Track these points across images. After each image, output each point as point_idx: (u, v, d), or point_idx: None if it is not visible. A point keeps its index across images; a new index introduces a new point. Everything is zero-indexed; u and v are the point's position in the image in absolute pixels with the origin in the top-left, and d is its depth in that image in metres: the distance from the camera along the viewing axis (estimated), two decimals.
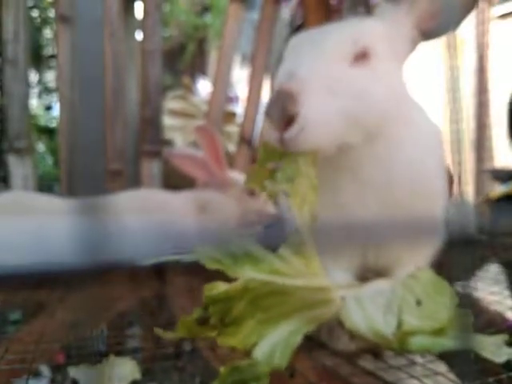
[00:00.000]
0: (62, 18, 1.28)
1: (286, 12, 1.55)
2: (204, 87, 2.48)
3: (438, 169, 0.51)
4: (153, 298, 0.79)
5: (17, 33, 1.20)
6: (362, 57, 0.45)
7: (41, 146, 2.27)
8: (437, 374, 0.45)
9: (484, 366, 0.39)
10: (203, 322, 0.38)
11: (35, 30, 2.23)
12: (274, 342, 0.37)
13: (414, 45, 0.51)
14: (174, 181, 1.13)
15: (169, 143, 1.70)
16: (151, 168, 1.23)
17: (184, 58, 2.99)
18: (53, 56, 2.25)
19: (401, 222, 0.47)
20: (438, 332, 0.36)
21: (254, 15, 1.57)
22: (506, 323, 0.63)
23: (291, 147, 0.42)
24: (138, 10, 1.60)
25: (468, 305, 0.38)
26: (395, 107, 0.47)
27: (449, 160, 0.51)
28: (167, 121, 1.65)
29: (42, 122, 2.42)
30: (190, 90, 2.26)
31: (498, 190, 1.07)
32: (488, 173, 1.47)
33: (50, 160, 2.24)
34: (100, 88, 1.23)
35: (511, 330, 0.48)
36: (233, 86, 2.43)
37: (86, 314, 0.59)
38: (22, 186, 1.17)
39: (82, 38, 1.31)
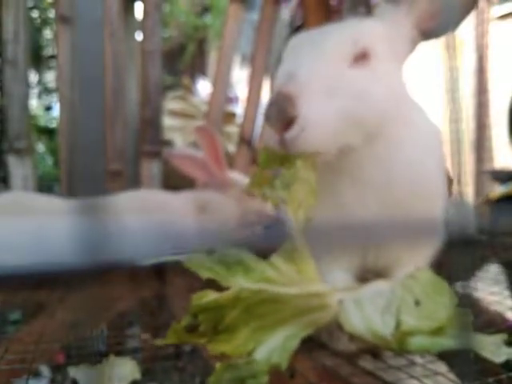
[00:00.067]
0: (62, 19, 1.28)
1: (285, 12, 1.55)
2: (204, 88, 2.48)
3: (437, 169, 0.51)
4: (153, 298, 0.79)
5: (17, 33, 1.20)
6: (361, 57, 0.45)
7: (41, 147, 2.27)
8: (436, 374, 0.46)
9: (484, 366, 0.39)
10: (192, 329, 0.37)
11: (35, 30, 2.23)
12: (271, 347, 0.37)
13: (413, 45, 0.51)
14: (174, 181, 1.13)
15: (169, 144, 1.70)
16: (151, 168, 1.23)
17: (184, 58, 2.99)
18: (53, 56, 2.25)
19: (400, 222, 0.47)
20: (437, 332, 0.36)
21: (254, 16, 1.58)
22: (506, 323, 0.63)
23: (291, 148, 0.42)
24: (138, 11, 1.60)
25: (468, 305, 0.38)
26: (395, 107, 0.47)
27: (448, 160, 0.51)
28: (167, 121, 1.65)
29: (42, 122, 2.42)
30: (190, 90, 2.26)
31: (498, 190, 1.07)
32: (488, 173, 1.47)
33: (49, 160, 2.24)
34: (100, 88, 1.23)
35: (511, 330, 0.48)
36: (233, 87, 2.43)
37: (86, 314, 0.59)
38: (22, 186, 1.17)
39: (82, 39, 1.31)
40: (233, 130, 1.81)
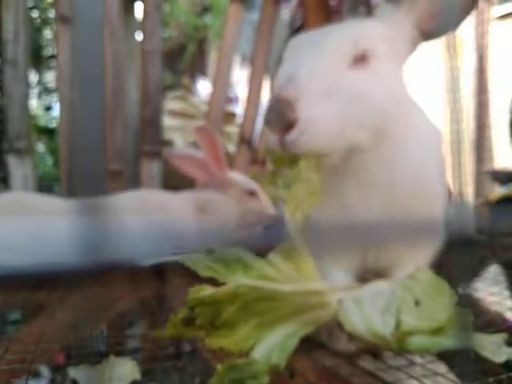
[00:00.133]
0: (62, 19, 1.28)
1: (285, 13, 1.55)
2: (204, 88, 2.48)
3: (438, 170, 0.51)
4: (153, 299, 0.79)
5: (17, 33, 1.20)
6: (361, 58, 0.45)
7: (41, 147, 2.27)
8: (436, 374, 0.46)
9: (484, 366, 0.39)
10: (189, 322, 0.38)
11: (35, 30, 2.23)
12: (271, 345, 0.37)
13: (414, 45, 0.51)
14: (174, 181, 1.13)
15: (169, 144, 1.70)
16: (151, 168, 1.23)
17: (184, 58, 2.99)
18: (53, 56, 2.25)
19: (401, 222, 0.47)
20: (437, 332, 0.36)
21: (254, 16, 1.58)
22: (506, 324, 0.63)
23: (292, 149, 0.42)
24: (138, 11, 1.60)
25: (468, 305, 0.38)
26: (395, 108, 0.47)
27: (448, 160, 0.51)
28: (167, 121, 1.65)
29: (42, 122, 2.42)
30: (190, 90, 2.26)
31: (498, 191, 1.07)
32: (488, 174, 1.47)
33: (49, 160, 2.24)
34: (100, 88, 1.23)
35: (511, 331, 0.48)
36: (233, 87, 2.43)
37: (86, 314, 0.59)
38: (22, 186, 1.17)
39: (82, 39, 1.31)
40: (233, 130, 1.81)
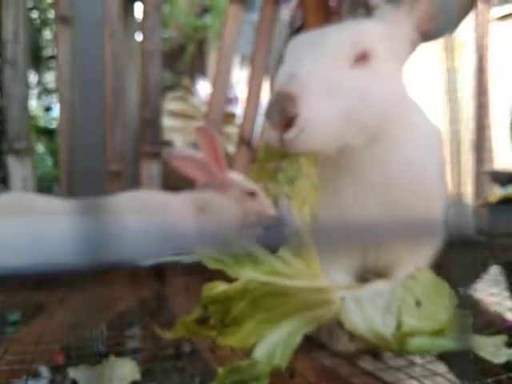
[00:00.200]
0: (62, 19, 1.28)
1: (285, 13, 1.55)
2: (203, 88, 2.48)
3: (437, 170, 0.51)
4: (153, 299, 0.79)
5: (16, 33, 1.20)
6: (362, 58, 0.45)
7: (40, 147, 2.26)
8: (436, 374, 0.46)
9: (483, 367, 0.39)
10: (202, 321, 0.38)
11: (35, 30, 2.23)
12: (273, 343, 0.37)
13: (413, 46, 0.51)
14: (174, 182, 1.13)
15: (168, 144, 1.70)
16: (151, 169, 1.23)
17: (184, 59, 2.98)
18: (52, 57, 2.25)
19: (400, 222, 0.47)
20: (438, 333, 0.36)
21: (254, 16, 1.58)
22: (506, 324, 0.63)
23: (291, 148, 0.42)
24: (138, 11, 1.60)
25: (468, 305, 0.38)
26: (395, 108, 0.47)
27: (448, 161, 0.51)
28: (167, 122, 1.65)
29: (42, 122, 2.42)
30: (190, 90, 2.26)
31: (498, 192, 1.07)
32: (488, 175, 1.47)
33: (49, 161, 2.24)
34: (100, 89, 1.23)
35: (511, 331, 0.48)
36: (232, 87, 2.43)
37: (86, 314, 0.59)
38: (22, 186, 1.17)
39: (82, 39, 1.31)
40: (232, 130, 1.81)
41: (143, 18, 1.28)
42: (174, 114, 1.89)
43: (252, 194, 0.99)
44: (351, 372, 0.46)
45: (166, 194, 0.98)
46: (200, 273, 0.38)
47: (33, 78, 2.30)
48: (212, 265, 0.38)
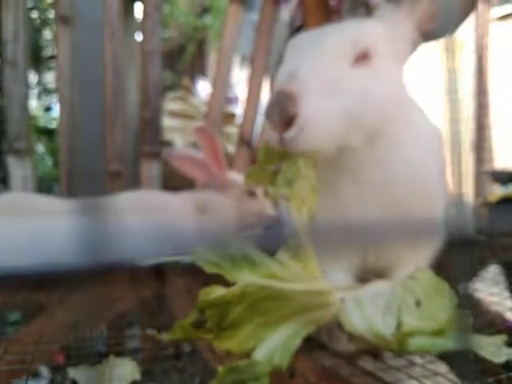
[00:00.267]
0: (62, 19, 1.28)
1: (285, 13, 1.55)
2: (203, 88, 2.48)
3: (437, 170, 0.51)
4: (153, 299, 0.79)
5: (16, 33, 1.20)
6: (362, 58, 0.45)
7: (40, 147, 2.26)
8: (436, 374, 0.46)
9: (483, 367, 0.39)
10: (199, 325, 0.38)
11: (35, 30, 2.23)
12: (272, 346, 0.37)
13: (414, 46, 0.51)
14: (174, 182, 1.13)
15: (168, 144, 1.70)
16: (151, 169, 1.23)
17: (184, 59, 2.98)
18: (52, 57, 2.25)
19: (400, 222, 0.47)
20: (438, 333, 0.36)
21: (254, 16, 1.58)
22: (506, 324, 0.63)
23: (291, 147, 0.42)
24: (138, 11, 1.60)
25: (468, 305, 0.38)
26: (395, 108, 0.47)
27: (448, 161, 0.51)
28: (167, 122, 1.65)
29: (42, 122, 2.42)
30: (190, 90, 2.26)
31: (498, 192, 1.07)
32: (488, 174, 1.47)
33: (49, 161, 2.24)
34: (100, 89, 1.23)
35: (511, 331, 0.48)
36: (232, 87, 2.43)
37: (86, 314, 0.59)
38: (22, 186, 1.17)
39: (82, 39, 1.31)
40: (232, 130, 1.81)
41: (143, 18, 1.28)
42: (174, 114, 1.89)
43: (252, 194, 0.99)
44: (351, 372, 0.46)
45: (166, 194, 0.98)
46: (200, 273, 0.38)
47: (33, 78, 2.30)
48: (209, 269, 0.38)
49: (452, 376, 0.45)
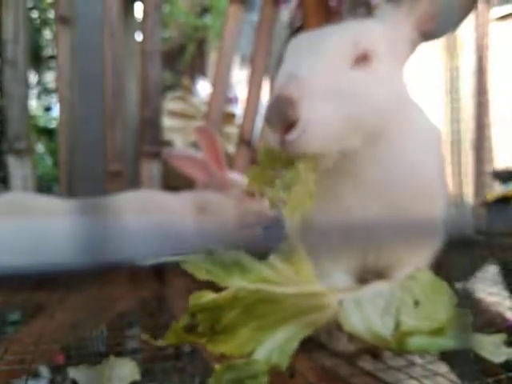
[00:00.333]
0: (62, 19, 1.28)
1: (285, 14, 1.55)
2: (203, 88, 2.48)
3: (438, 170, 0.51)
4: (152, 299, 0.79)
5: (16, 33, 1.20)
6: (362, 59, 0.45)
7: (40, 147, 2.27)
8: (436, 374, 0.46)
9: (483, 366, 0.39)
10: (190, 329, 0.38)
11: (35, 30, 2.23)
12: (271, 349, 0.37)
13: (414, 46, 0.51)
14: (174, 182, 1.13)
15: (168, 144, 1.70)
16: (151, 169, 1.23)
17: (184, 58, 2.99)
18: (52, 57, 2.25)
19: (400, 223, 0.47)
20: (437, 332, 0.36)
21: (254, 16, 1.58)
22: (506, 323, 0.63)
23: (292, 150, 0.41)
24: (138, 11, 1.60)
25: (467, 305, 0.38)
26: (396, 108, 0.47)
27: (448, 160, 0.51)
28: (167, 122, 1.65)
29: (42, 122, 2.42)
30: (190, 90, 2.26)
31: (497, 190, 1.07)
32: (489, 173, 1.47)
33: (49, 161, 2.24)
34: (100, 89, 1.23)
35: (511, 330, 0.48)
36: (232, 87, 2.43)
37: (86, 314, 0.59)
38: (22, 186, 1.17)
39: (82, 39, 1.32)
40: (232, 130, 1.81)
41: (143, 18, 1.28)
42: (174, 114, 1.90)
43: (252, 195, 0.99)
44: (351, 372, 0.46)
45: (166, 194, 0.98)
46: None
47: (33, 78, 2.30)
48: (201, 275, 0.38)
49: (452, 376, 0.45)
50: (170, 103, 1.93)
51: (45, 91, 2.42)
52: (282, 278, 0.39)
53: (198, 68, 3.04)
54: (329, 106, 0.42)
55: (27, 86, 1.28)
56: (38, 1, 2.35)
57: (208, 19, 3.01)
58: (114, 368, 0.56)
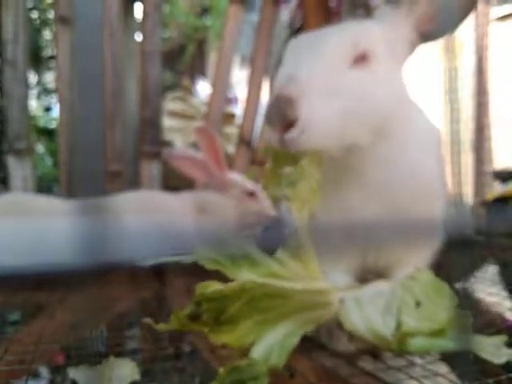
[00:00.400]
0: (62, 19, 1.28)
1: (285, 14, 1.55)
2: (203, 88, 2.48)
3: (437, 170, 0.52)
4: (152, 299, 0.79)
5: (16, 34, 1.20)
6: (361, 59, 0.45)
7: (40, 147, 2.26)
8: (436, 374, 0.46)
9: (483, 367, 0.39)
10: (194, 318, 0.38)
11: (35, 31, 2.23)
12: (270, 344, 0.37)
13: (413, 47, 0.51)
14: (174, 182, 1.13)
15: (168, 144, 1.70)
16: (151, 169, 1.23)
17: (183, 59, 2.98)
18: (52, 57, 2.25)
19: (400, 223, 0.47)
20: (437, 333, 0.36)
21: (254, 17, 1.58)
22: (506, 324, 0.63)
23: (292, 147, 0.42)
24: (138, 11, 1.60)
25: (467, 305, 0.38)
26: (395, 108, 0.47)
27: (448, 160, 0.51)
28: (167, 122, 1.65)
29: (42, 123, 2.42)
30: (190, 91, 2.26)
31: (497, 189, 1.07)
32: (489, 173, 1.48)
33: (49, 161, 2.24)
34: (99, 89, 1.23)
35: (511, 331, 0.48)
36: (232, 88, 2.43)
37: (86, 314, 0.59)
38: (22, 187, 1.17)
39: (82, 39, 1.32)
40: (232, 130, 1.81)
41: (143, 18, 1.28)
42: (174, 114, 1.90)
43: (252, 195, 0.99)
44: (351, 372, 0.46)
45: (166, 194, 0.98)
46: (200, 273, 0.39)
47: (33, 78, 2.30)
48: (209, 265, 0.38)
49: (452, 376, 0.45)
50: (170, 103, 1.93)
51: (45, 91, 2.42)
52: (291, 273, 0.40)
53: (197, 68, 3.04)
54: (328, 106, 0.42)
55: (27, 86, 1.28)
56: (38, 1, 2.35)
57: (208, 19, 3.01)
58: (113, 368, 0.56)
